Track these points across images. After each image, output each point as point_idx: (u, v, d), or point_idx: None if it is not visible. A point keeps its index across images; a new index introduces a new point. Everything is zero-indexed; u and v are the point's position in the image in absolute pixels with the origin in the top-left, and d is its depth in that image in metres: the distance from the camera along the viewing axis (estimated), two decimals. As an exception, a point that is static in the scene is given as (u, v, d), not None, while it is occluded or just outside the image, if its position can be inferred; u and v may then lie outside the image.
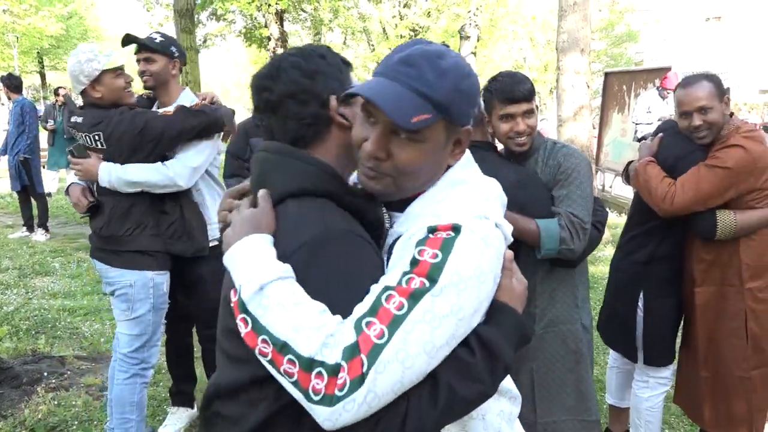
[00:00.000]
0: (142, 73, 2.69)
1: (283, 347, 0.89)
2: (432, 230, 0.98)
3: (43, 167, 8.70)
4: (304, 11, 17.62)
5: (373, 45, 23.54)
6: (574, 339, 2.16)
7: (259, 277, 0.93)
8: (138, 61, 2.70)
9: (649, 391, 2.67)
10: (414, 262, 0.94)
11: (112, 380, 2.73)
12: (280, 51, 15.36)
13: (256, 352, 0.92)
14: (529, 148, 2.15)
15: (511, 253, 1.09)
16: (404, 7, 21.10)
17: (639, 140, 3.05)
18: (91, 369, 3.82)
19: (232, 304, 0.97)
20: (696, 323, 2.53)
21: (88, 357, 4.03)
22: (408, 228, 1.04)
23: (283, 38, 15.50)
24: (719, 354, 2.48)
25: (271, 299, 0.91)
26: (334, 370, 0.85)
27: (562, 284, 2.16)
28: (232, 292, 0.98)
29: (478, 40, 13.58)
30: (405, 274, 0.93)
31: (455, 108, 1.03)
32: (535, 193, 2.06)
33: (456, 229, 0.97)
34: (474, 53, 13.22)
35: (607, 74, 10.24)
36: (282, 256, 0.99)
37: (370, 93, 1.00)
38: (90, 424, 3.16)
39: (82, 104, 2.66)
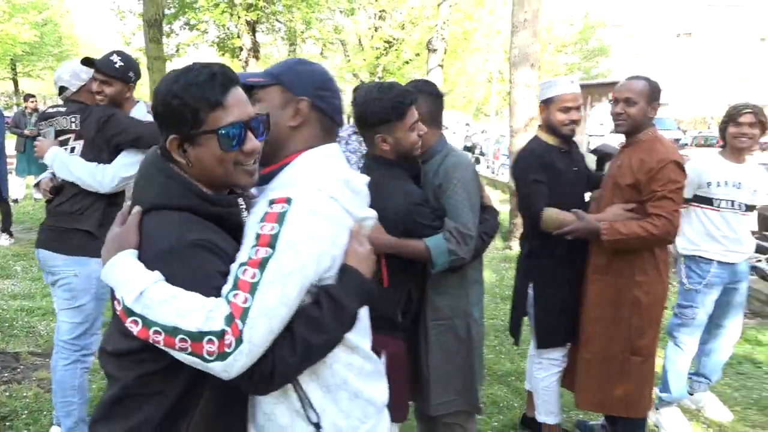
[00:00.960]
0: (97, 93, 2.84)
1: (173, 331, 1.09)
2: (271, 203, 1.21)
3: (11, 173, 8.78)
4: (279, 21, 17.81)
5: (348, 56, 23.85)
6: (465, 330, 2.35)
7: (137, 285, 1.12)
8: (95, 79, 2.84)
9: (543, 372, 2.90)
10: (257, 237, 1.18)
11: (54, 370, 2.91)
12: (252, 61, 15.55)
13: (150, 341, 1.13)
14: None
15: (358, 225, 1.33)
16: (379, 19, 21.46)
17: (591, 152, 3.32)
18: (44, 364, 3.98)
19: (118, 312, 1.15)
20: (587, 309, 2.75)
21: (42, 353, 4.19)
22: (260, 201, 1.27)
23: (255, 48, 15.66)
24: (604, 338, 2.70)
25: (153, 299, 1.10)
26: (221, 335, 1.09)
27: (454, 282, 2.32)
28: (115, 302, 1.16)
29: (445, 53, 13.92)
30: (253, 247, 1.17)
31: (286, 78, 1.40)
32: (420, 215, 2.16)
33: (288, 201, 1.20)
34: (441, 65, 13.56)
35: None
36: (143, 263, 1.17)
37: (241, 75, 1.35)
38: (39, 414, 3.34)
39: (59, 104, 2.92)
